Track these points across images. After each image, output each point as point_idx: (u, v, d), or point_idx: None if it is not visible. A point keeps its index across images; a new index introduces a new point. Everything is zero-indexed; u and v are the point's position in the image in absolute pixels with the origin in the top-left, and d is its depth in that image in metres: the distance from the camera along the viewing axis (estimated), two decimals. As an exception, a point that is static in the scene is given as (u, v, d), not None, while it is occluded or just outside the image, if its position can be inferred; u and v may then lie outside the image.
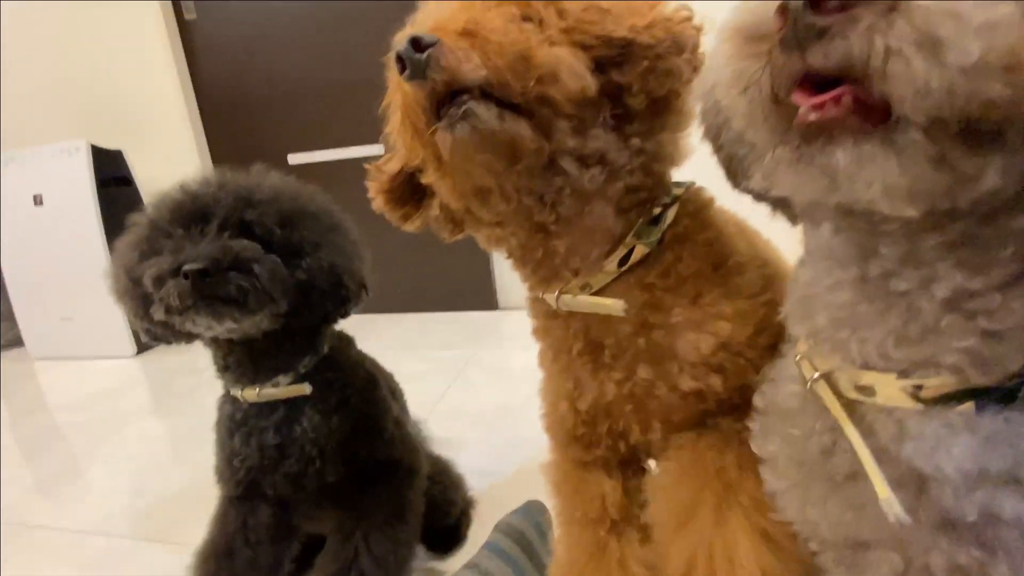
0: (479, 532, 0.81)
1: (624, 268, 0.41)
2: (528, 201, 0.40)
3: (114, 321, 1.97)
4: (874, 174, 0.21)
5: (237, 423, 0.68)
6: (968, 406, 0.26)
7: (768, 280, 0.44)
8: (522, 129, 0.34)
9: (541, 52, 0.34)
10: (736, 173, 0.34)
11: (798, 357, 0.33)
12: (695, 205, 0.44)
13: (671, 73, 0.38)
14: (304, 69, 2.00)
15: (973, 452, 0.26)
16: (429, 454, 0.89)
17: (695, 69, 0.38)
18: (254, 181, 0.65)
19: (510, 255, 0.46)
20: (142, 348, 2.04)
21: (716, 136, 0.34)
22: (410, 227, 0.48)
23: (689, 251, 0.42)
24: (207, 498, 0.74)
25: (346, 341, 0.77)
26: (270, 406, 0.66)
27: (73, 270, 1.97)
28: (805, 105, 0.22)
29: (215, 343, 0.66)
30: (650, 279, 0.41)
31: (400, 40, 0.33)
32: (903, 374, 0.27)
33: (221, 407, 0.71)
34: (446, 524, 0.86)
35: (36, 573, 0.94)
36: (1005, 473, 0.25)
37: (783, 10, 0.22)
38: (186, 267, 0.55)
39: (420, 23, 0.37)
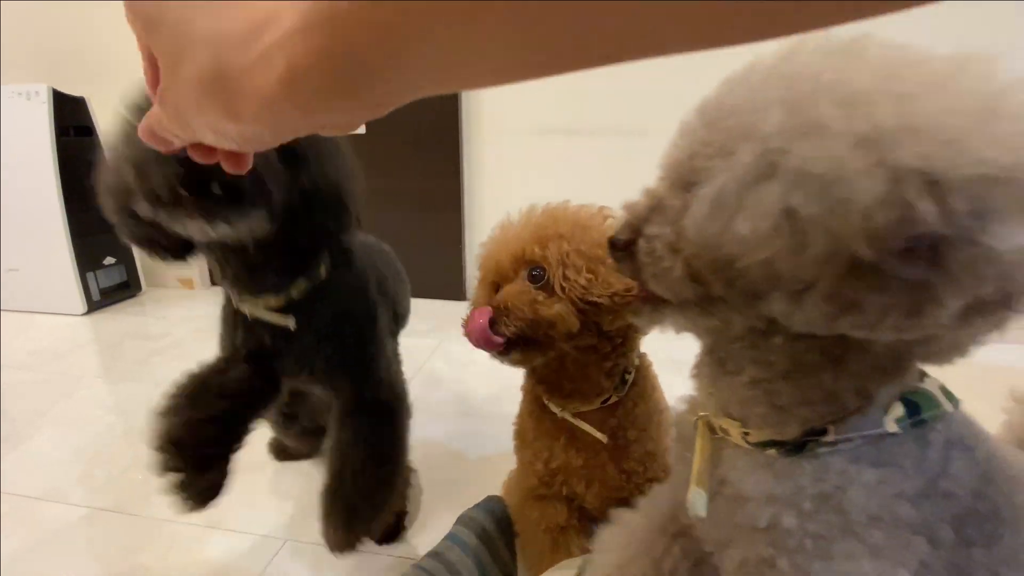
0: (441, 523, 0.85)
1: (604, 404, 0.68)
2: (553, 364, 0.66)
3: (64, 276, 1.90)
4: (670, 323, 0.39)
5: (240, 320, 0.68)
6: (773, 451, 0.38)
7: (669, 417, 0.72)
8: (536, 356, 0.63)
9: (544, 311, 0.59)
10: None
11: (693, 400, 0.47)
12: (644, 369, 0.72)
13: (623, 317, 0.61)
14: (289, 37, 1.95)
15: (768, 481, 0.38)
16: None
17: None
18: None
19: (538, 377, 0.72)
20: (92, 307, 1.97)
21: None
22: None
23: (639, 398, 0.70)
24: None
25: (347, 262, 0.74)
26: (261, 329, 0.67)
27: (24, 220, 1.87)
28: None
29: (210, 249, 0.63)
30: (615, 414, 0.69)
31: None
32: (742, 423, 0.40)
33: (226, 300, 0.70)
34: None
35: (-18, 536, 0.92)
36: (787, 497, 0.36)
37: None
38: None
39: (482, 282, 0.68)
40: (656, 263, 0.34)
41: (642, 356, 0.72)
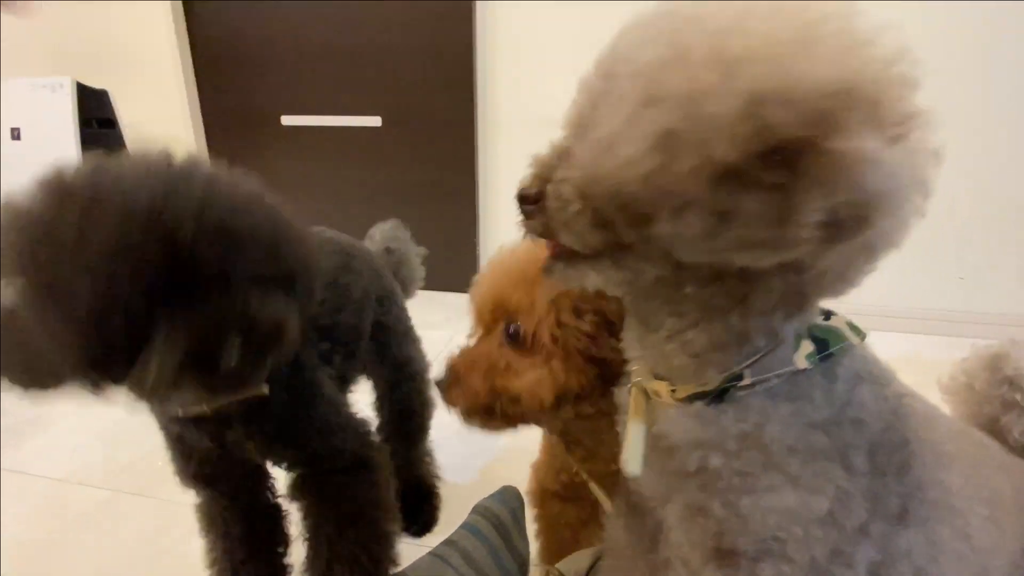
0: (457, 514, 0.86)
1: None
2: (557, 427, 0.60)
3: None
4: (585, 279, 0.38)
5: (174, 435, 0.63)
6: (700, 403, 0.40)
7: None
8: (505, 427, 0.55)
9: (505, 382, 0.51)
10: None
11: (632, 369, 0.47)
12: None
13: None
14: (306, 29, 1.96)
15: (695, 428, 0.40)
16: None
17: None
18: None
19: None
20: (115, 296, 2.01)
21: None
22: None
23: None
24: None
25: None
26: (198, 419, 0.57)
27: (48, 210, 1.91)
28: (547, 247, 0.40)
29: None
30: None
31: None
32: (670, 382, 0.42)
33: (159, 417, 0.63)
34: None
35: (11, 517, 0.95)
36: (713, 440, 0.39)
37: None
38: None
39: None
40: (564, 208, 0.34)
41: None
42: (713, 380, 0.39)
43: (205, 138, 2.19)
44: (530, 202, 0.37)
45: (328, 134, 2.05)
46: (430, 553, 0.69)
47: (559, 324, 0.49)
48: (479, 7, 1.79)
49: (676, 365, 0.41)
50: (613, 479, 0.57)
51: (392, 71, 1.93)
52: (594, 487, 0.59)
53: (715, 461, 0.39)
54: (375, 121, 2.00)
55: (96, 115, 1.95)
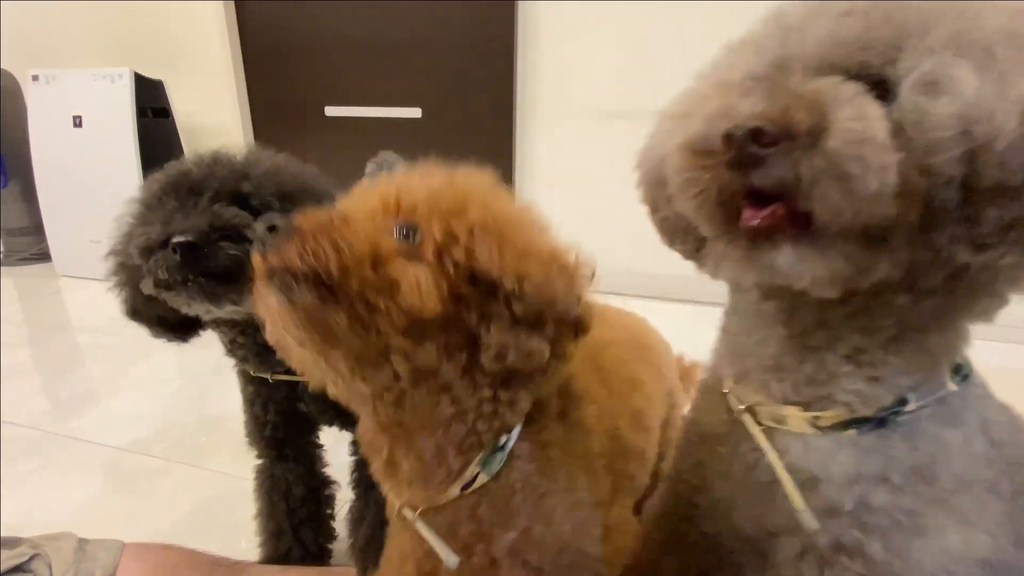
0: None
1: (467, 491, 0.40)
2: (364, 389, 0.38)
3: (141, 249, 2.02)
4: (806, 269, 0.29)
5: (262, 387, 0.69)
6: (852, 431, 0.35)
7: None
8: (337, 318, 0.33)
9: (395, 264, 0.34)
10: (671, 237, 0.41)
11: (727, 392, 0.41)
12: (536, 444, 0.43)
13: (531, 354, 0.36)
14: (349, 24, 2.00)
15: (853, 460, 0.35)
16: None
17: (558, 353, 0.38)
18: (252, 157, 0.62)
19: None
20: (165, 279, 2.10)
21: (655, 205, 0.41)
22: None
23: (519, 488, 0.41)
24: (236, 429, 0.77)
25: None
26: (276, 383, 0.66)
27: (106, 195, 2.00)
28: (748, 216, 0.29)
29: (220, 327, 0.63)
30: (481, 510, 0.41)
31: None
32: (806, 407, 0.36)
33: (242, 376, 0.71)
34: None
35: (72, 482, 1.01)
36: (876, 474, 0.34)
37: (729, 138, 0.28)
38: (175, 239, 0.51)
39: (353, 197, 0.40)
40: (857, 162, 0.25)
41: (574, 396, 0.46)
42: (875, 406, 0.34)
43: (252, 127, 2.27)
44: (768, 143, 0.27)
45: (369, 125, 2.09)
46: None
47: (462, 247, 0.36)
48: (521, 6, 1.80)
49: (845, 389, 0.34)
50: (445, 516, 0.41)
51: (433, 65, 1.96)
52: (425, 531, 0.41)
53: (880, 497, 0.34)
54: (415, 112, 2.03)
55: (152, 104, 2.04)
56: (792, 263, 0.29)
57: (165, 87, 2.09)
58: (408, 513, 0.42)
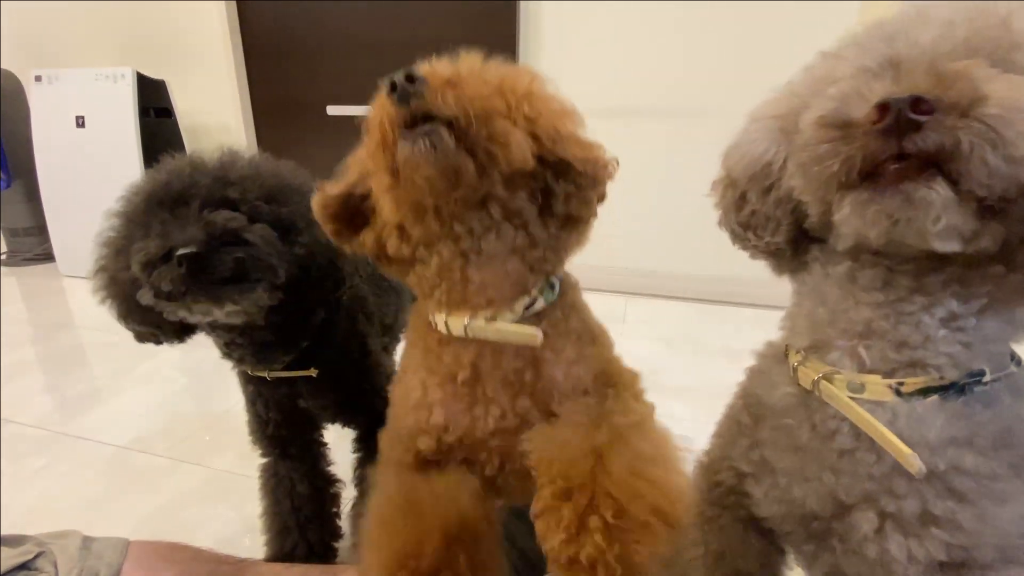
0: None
1: (528, 313, 0.49)
2: (459, 228, 0.46)
3: (144, 249, 2.03)
4: (950, 212, 0.31)
5: (260, 385, 0.70)
6: (935, 396, 0.37)
7: (601, 345, 0.55)
8: (467, 164, 0.40)
9: (502, 121, 0.41)
10: (756, 231, 0.44)
11: (796, 365, 0.42)
12: (572, 287, 0.55)
13: (587, 202, 0.48)
14: (353, 23, 2.00)
15: (944, 424, 0.36)
16: None
17: (600, 201, 0.50)
18: (227, 159, 0.62)
19: (423, 282, 0.50)
20: (168, 278, 2.10)
21: (741, 202, 0.44)
22: (346, 248, 0.53)
23: (570, 314, 0.52)
24: (241, 427, 0.78)
25: (336, 307, 0.73)
26: (275, 382, 0.69)
27: (109, 194, 2.01)
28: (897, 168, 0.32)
29: (215, 330, 0.63)
30: (543, 327, 0.48)
31: (398, 73, 0.40)
32: (888, 375, 0.38)
33: (239, 376, 0.73)
34: None
35: (77, 480, 1.02)
36: (965, 439, 0.36)
37: (884, 107, 0.31)
38: (179, 252, 0.51)
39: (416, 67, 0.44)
40: (1013, 127, 0.28)
41: (567, 274, 0.55)
42: (961, 370, 0.36)
43: (254, 126, 2.27)
44: (925, 110, 0.30)
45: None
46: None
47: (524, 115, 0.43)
48: (523, 6, 1.80)
49: (943, 352, 0.36)
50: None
51: (435, 62, 1.96)
52: (508, 327, 0.47)
53: (969, 460, 0.35)
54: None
55: (154, 104, 2.04)
56: (943, 201, 0.31)
57: (167, 87, 2.09)
58: (477, 324, 0.47)
